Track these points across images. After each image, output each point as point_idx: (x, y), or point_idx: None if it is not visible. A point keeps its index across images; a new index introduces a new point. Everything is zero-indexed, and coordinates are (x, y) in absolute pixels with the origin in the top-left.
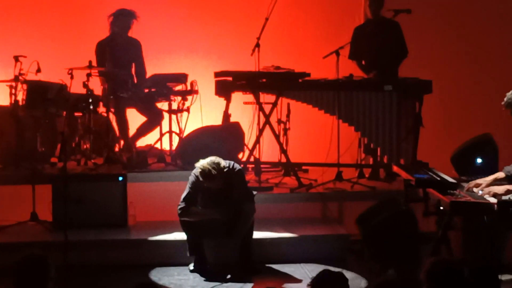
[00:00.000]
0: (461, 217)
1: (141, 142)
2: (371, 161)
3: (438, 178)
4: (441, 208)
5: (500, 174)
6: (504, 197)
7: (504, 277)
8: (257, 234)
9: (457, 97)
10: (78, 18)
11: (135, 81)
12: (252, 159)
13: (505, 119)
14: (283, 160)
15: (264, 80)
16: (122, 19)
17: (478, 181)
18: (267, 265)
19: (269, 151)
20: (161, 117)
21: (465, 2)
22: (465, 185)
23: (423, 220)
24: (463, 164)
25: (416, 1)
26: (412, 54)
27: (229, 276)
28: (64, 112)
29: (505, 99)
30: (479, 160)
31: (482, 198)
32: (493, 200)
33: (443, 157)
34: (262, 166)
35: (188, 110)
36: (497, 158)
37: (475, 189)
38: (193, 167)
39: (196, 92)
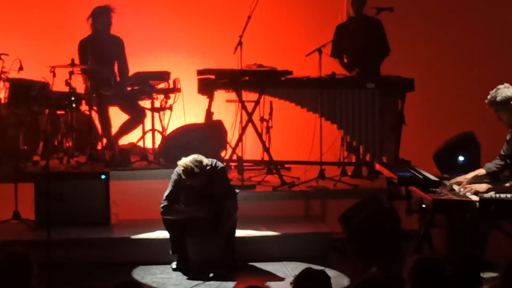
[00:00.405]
0: (443, 215)
1: (124, 140)
2: (353, 159)
3: (421, 176)
4: (424, 206)
5: (481, 171)
6: (485, 195)
7: (486, 275)
8: (239, 232)
9: (440, 95)
10: (61, 16)
11: (118, 79)
12: (234, 157)
13: (487, 117)
14: (266, 158)
15: (246, 78)
16: (105, 15)
17: (459, 179)
18: (249, 263)
19: (251, 149)
20: (144, 115)
21: (447, 0)
22: (448, 183)
23: (405, 218)
24: (445, 162)
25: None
26: (394, 52)
27: (211, 275)
28: (47, 110)
29: (489, 97)
30: (461, 158)
31: (464, 196)
32: (475, 198)
33: (425, 155)
34: (244, 164)
35: (170, 108)
36: (479, 155)
37: (455, 187)
38: (175, 165)
39: (179, 90)
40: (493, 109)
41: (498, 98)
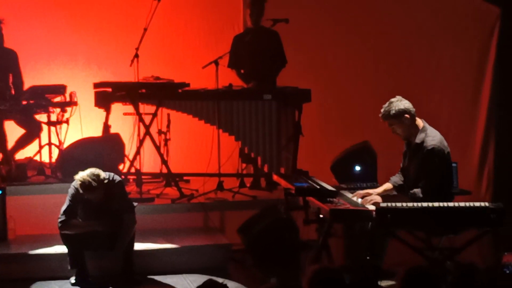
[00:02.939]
0: (341, 225)
1: (20, 155)
2: (252, 170)
3: (318, 187)
4: (321, 216)
5: (388, 185)
6: (382, 204)
7: (384, 283)
8: (138, 246)
9: (336, 105)
10: None
11: (13, 92)
12: (133, 170)
13: (382, 127)
14: (164, 170)
15: (143, 90)
16: None
17: (369, 191)
18: (149, 276)
19: (150, 162)
20: (40, 129)
21: (341, 12)
22: (345, 192)
23: (303, 228)
24: (342, 172)
25: (293, 11)
26: (291, 64)
27: None
28: None
29: (382, 111)
30: (358, 168)
31: (361, 205)
32: (371, 207)
33: (323, 165)
34: (143, 177)
35: (67, 121)
36: (376, 165)
37: (359, 200)
38: (73, 180)
39: (76, 103)
40: (387, 122)
41: (392, 112)
